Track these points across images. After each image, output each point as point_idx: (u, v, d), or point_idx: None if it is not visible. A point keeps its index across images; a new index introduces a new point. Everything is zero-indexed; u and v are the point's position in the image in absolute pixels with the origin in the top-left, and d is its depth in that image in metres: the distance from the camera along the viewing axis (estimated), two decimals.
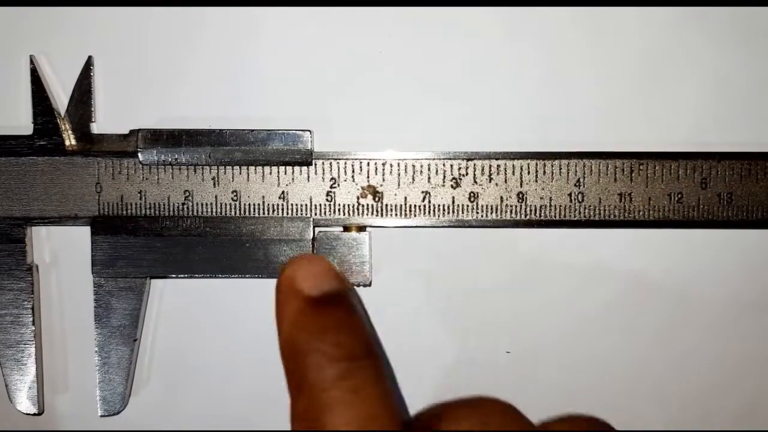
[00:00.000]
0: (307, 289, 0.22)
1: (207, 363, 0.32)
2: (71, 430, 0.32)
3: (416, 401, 0.32)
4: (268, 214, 0.30)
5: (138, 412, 0.32)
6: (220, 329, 0.32)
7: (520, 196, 0.29)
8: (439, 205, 0.30)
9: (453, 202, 0.30)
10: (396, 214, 0.30)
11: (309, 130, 0.29)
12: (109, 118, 0.30)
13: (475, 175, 0.30)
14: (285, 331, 0.22)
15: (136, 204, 0.30)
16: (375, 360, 0.22)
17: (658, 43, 0.30)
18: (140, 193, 0.30)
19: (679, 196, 0.29)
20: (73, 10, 0.30)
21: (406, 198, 0.30)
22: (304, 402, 0.21)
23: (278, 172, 0.30)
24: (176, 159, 0.29)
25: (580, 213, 0.29)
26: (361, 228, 0.30)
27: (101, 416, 0.31)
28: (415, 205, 0.30)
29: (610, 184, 0.29)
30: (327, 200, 0.30)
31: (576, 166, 0.29)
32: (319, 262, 0.24)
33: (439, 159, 0.30)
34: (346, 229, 0.30)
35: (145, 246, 0.30)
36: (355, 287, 0.24)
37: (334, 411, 0.20)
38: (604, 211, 0.29)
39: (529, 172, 0.29)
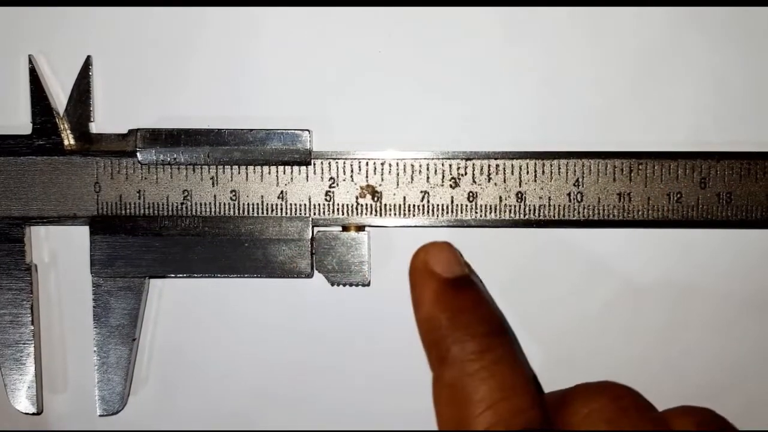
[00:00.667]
0: (442, 272, 0.24)
1: (206, 362, 0.32)
2: (70, 429, 0.32)
3: (415, 401, 0.32)
4: (267, 213, 0.30)
5: (137, 412, 0.32)
6: (218, 329, 0.32)
7: (519, 195, 0.29)
8: (437, 205, 0.30)
9: (452, 201, 0.30)
10: (395, 214, 0.30)
11: (308, 130, 0.29)
12: (107, 118, 0.30)
13: (474, 174, 0.30)
14: (425, 309, 0.24)
15: (134, 204, 0.30)
16: (509, 336, 0.24)
17: (657, 43, 0.30)
18: (139, 192, 0.30)
19: (678, 195, 0.29)
20: (72, 9, 0.30)
21: (404, 198, 0.30)
22: (450, 372, 0.23)
23: (277, 171, 0.30)
24: (175, 159, 0.29)
25: (579, 213, 0.29)
26: (360, 228, 0.30)
27: (100, 416, 0.31)
28: (413, 205, 0.30)
29: (609, 183, 0.29)
30: (326, 200, 0.30)
31: (575, 165, 0.29)
32: (449, 248, 0.26)
33: (438, 159, 0.30)
34: (345, 228, 0.30)
35: (144, 246, 0.30)
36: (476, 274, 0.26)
37: (480, 379, 0.22)
38: (603, 210, 0.29)
39: (528, 172, 0.29)
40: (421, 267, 0.25)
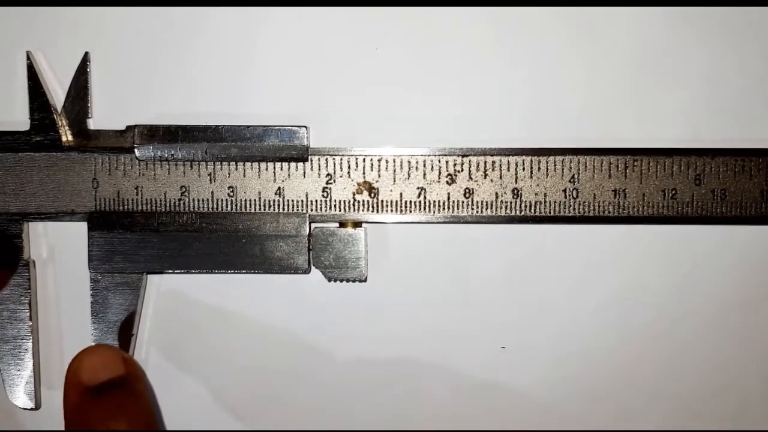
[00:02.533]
0: (86, 379, 0.25)
1: (202, 358, 0.32)
2: None
3: (412, 395, 0.32)
4: (265, 209, 0.30)
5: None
6: (216, 325, 0.32)
7: (515, 192, 0.30)
8: (434, 201, 0.30)
9: (448, 198, 0.30)
10: (392, 210, 0.30)
11: (305, 126, 0.29)
12: (105, 114, 0.31)
13: (470, 171, 0.30)
14: (66, 417, 0.25)
15: (132, 200, 0.30)
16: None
17: (653, 41, 0.30)
18: (137, 188, 0.30)
19: (673, 192, 0.29)
20: (70, 6, 0.30)
21: (401, 194, 0.30)
22: None
23: (274, 168, 0.30)
24: (172, 155, 0.29)
25: (574, 209, 0.30)
26: (357, 224, 0.30)
27: None
28: (410, 201, 0.30)
29: (605, 180, 0.30)
30: (323, 196, 0.30)
31: (571, 162, 0.29)
32: (105, 351, 0.26)
33: (435, 155, 0.30)
34: (342, 224, 0.30)
35: (142, 241, 0.30)
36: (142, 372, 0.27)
37: None
38: (599, 207, 0.30)
39: (524, 169, 0.30)
40: (70, 373, 0.26)
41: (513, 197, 0.30)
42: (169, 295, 0.32)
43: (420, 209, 0.30)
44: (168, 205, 0.30)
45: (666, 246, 0.31)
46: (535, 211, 0.30)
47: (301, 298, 0.31)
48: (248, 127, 0.29)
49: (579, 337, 0.32)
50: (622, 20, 0.30)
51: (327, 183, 0.30)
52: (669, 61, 0.30)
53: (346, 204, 0.30)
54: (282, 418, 0.32)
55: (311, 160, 0.30)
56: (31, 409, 0.31)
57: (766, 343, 0.32)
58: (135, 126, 0.29)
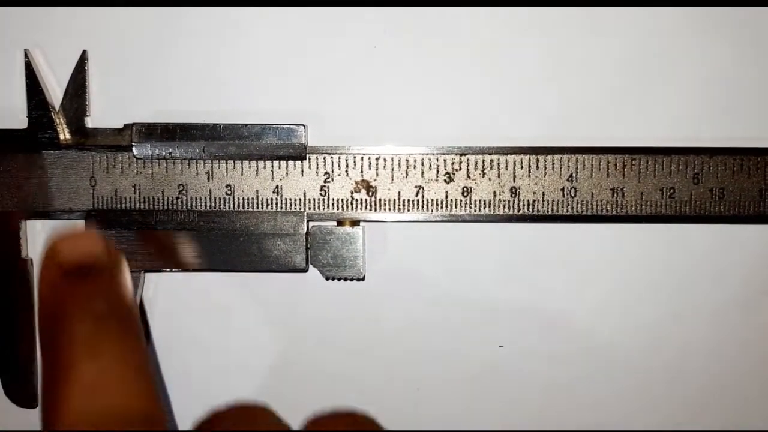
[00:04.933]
0: (65, 261, 0.23)
1: (200, 356, 0.32)
2: None
3: (409, 394, 0.32)
4: (262, 208, 0.30)
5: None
6: (214, 323, 0.32)
7: (513, 191, 0.30)
8: (432, 200, 0.30)
9: (446, 196, 0.30)
10: (389, 209, 0.30)
11: (303, 125, 0.29)
12: (103, 113, 0.30)
13: (468, 170, 0.30)
14: (44, 295, 0.23)
15: (130, 198, 0.30)
16: (131, 324, 0.22)
17: (651, 40, 0.30)
18: (134, 187, 0.30)
19: (672, 191, 0.29)
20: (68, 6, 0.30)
21: (399, 192, 0.30)
22: (53, 358, 0.21)
23: (272, 166, 0.30)
24: (170, 153, 0.29)
25: (572, 208, 0.30)
26: (355, 222, 0.30)
27: None
28: (408, 200, 0.30)
29: (603, 179, 0.29)
30: (321, 195, 0.30)
31: (569, 161, 0.29)
32: (86, 234, 0.25)
33: (433, 154, 0.30)
34: (340, 223, 0.30)
35: (140, 240, 0.30)
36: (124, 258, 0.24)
37: (78, 362, 0.20)
38: (597, 206, 0.30)
39: (522, 167, 0.30)
40: (47, 254, 0.23)
41: (511, 196, 0.30)
42: (167, 294, 0.32)
43: (418, 208, 0.30)
44: (166, 203, 0.30)
45: (664, 245, 0.31)
46: (533, 210, 0.30)
47: (298, 297, 0.31)
48: (246, 125, 0.29)
49: (578, 337, 0.32)
50: (621, 20, 0.30)
51: (325, 181, 0.30)
52: (667, 60, 0.30)
53: (344, 203, 0.30)
54: (280, 415, 0.32)
55: (309, 159, 0.30)
56: (29, 408, 0.31)
57: (766, 342, 0.32)
58: (133, 124, 0.29)
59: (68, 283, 0.22)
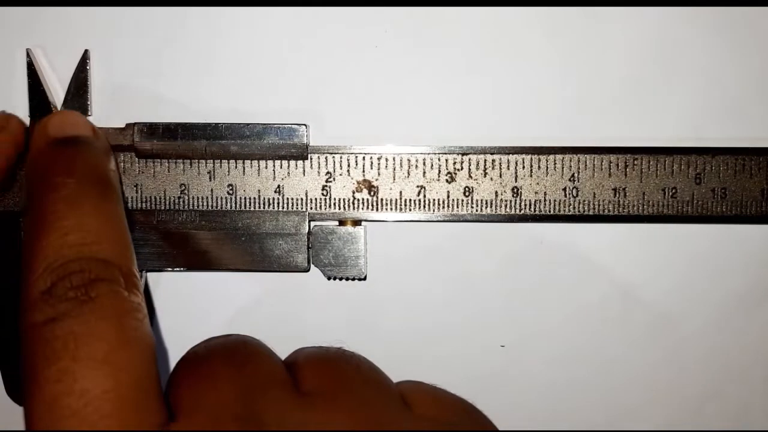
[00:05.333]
0: (53, 133, 0.26)
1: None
2: None
3: None
4: (264, 208, 0.30)
5: None
6: (214, 323, 0.32)
7: (515, 190, 0.30)
8: (434, 200, 0.30)
9: (448, 196, 0.30)
10: (391, 209, 0.30)
11: (305, 124, 0.29)
12: (105, 112, 0.30)
13: (470, 169, 0.30)
14: (31, 161, 0.25)
15: (131, 197, 0.30)
16: (108, 186, 0.24)
17: (653, 39, 0.30)
18: (136, 186, 0.30)
19: (674, 191, 0.29)
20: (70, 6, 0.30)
21: (401, 192, 0.30)
22: (28, 216, 0.23)
23: (274, 166, 0.30)
24: (172, 152, 0.29)
25: (574, 208, 0.30)
26: (357, 222, 0.30)
27: None
28: (410, 200, 0.30)
29: (605, 179, 0.29)
30: (323, 194, 0.30)
31: (571, 161, 0.29)
32: (71, 113, 0.28)
33: (435, 153, 0.30)
34: (342, 223, 0.30)
35: (141, 239, 0.30)
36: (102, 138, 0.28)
37: (49, 221, 0.22)
38: (599, 205, 0.29)
39: (523, 167, 0.30)
40: (37, 129, 0.26)
41: (513, 196, 0.30)
42: (169, 294, 0.32)
43: (420, 207, 0.30)
44: (167, 202, 0.30)
45: (666, 245, 0.31)
46: (534, 210, 0.30)
47: (300, 297, 0.31)
48: (248, 125, 0.29)
49: (579, 336, 0.32)
50: (621, 20, 0.30)
51: (327, 181, 0.30)
52: (669, 59, 0.30)
53: (346, 202, 0.30)
54: None
55: (311, 158, 0.30)
56: None
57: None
58: (135, 124, 0.29)
59: (54, 150, 0.25)
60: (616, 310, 0.32)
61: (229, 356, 0.22)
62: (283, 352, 0.32)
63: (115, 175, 0.26)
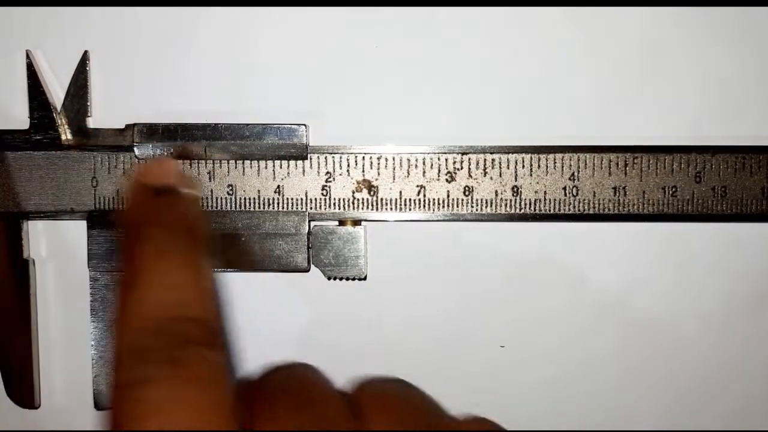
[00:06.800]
0: (148, 181, 0.25)
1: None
2: (67, 425, 0.32)
3: None
4: (264, 208, 0.30)
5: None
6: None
7: (515, 189, 0.30)
8: (434, 199, 0.30)
9: (448, 196, 0.30)
10: (391, 209, 0.30)
11: (304, 124, 0.29)
12: (105, 113, 0.30)
13: (469, 169, 0.30)
14: (126, 209, 0.25)
15: None
16: (197, 242, 0.24)
17: (654, 38, 0.30)
18: None
19: (674, 189, 0.29)
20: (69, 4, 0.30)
21: (401, 192, 0.30)
22: (127, 267, 0.23)
23: (274, 166, 0.30)
24: (172, 153, 0.29)
25: (574, 207, 0.30)
26: (357, 222, 0.30)
27: (97, 410, 0.31)
28: (410, 199, 0.30)
29: (605, 177, 0.29)
30: (322, 194, 0.30)
31: (570, 160, 0.29)
32: (166, 161, 0.28)
33: (435, 153, 0.30)
34: (342, 223, 0.30)
35: None
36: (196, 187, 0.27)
37: (143, 276, 0.22)
38: (599, 204, 0.29)
39: (523, 166, 0.30)
40: (135, 177, 0.26)
41: (513, 195, 0.30)
42: None
43: (419, 207, 0.30)
44: None
45: (666, 244, 0.31)
46: (534, 209, 0.30)
47: (299, 297, 0.31)
48: (247, 125, 0.29)
49: (579, 336, 0.32)
50: (622, 19, 0.30)
51: (326, 181, 0.30)
52: (669, 58, 0.30)
53: (346, 202, 0.30)
54: None
55: (311, 158, 0.30)
56: (30, 408, 0.31)
57: None
58: (134, 124, 0.29)
59: (146, 199, 0.25)
60: (617, 309, 0.31)
61: (296, 394, 0.22)
62: (283, 351, 0.32)
63: (203, 224, 0.25)
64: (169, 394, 0.20)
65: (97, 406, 0.31)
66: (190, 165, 0.30)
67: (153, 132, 0.29)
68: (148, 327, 0.21)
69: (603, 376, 0.32)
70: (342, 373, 0.32)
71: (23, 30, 0.30)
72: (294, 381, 0.23)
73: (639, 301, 0.31)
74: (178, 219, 0.24)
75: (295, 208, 0.30)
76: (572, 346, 0.32)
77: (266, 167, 0.30)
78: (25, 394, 0.31)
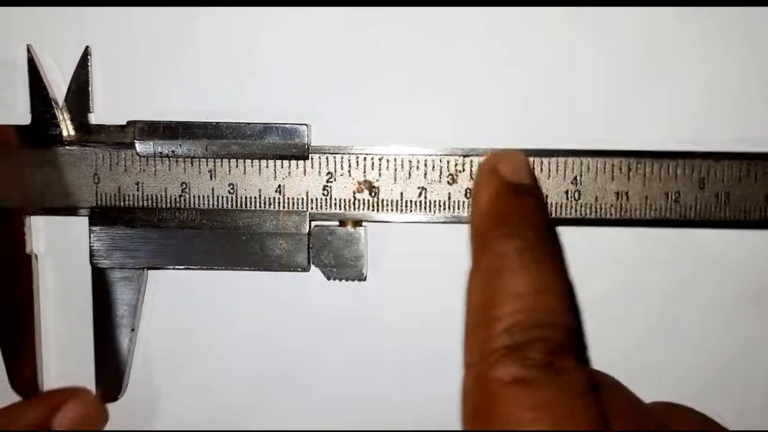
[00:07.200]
0: (507, 176, 0.26)
1: (202, 354, 0.32)
2: None
3: (411, 394, 0.32)
4: (265, 207, 0.30)
5: (132, 403, 0.32)
6: (215, 322, 0.32)
7: None
8: (435, 201, 0.30)
9: (449, 198, 0.30)
10: (392, 210, 0.30)
11: (306, 124, 0.29)
12: (106, 109, 0.30)
13: (471, 171, 0.29)
14: (482, 203, 0.25)
15: (133, 195, 0.30)
16: (556, 247, 0.25)
17: (657, 41, 0.30)
18: (137, 184, 0.30)
19: (677, 195, 0.29)
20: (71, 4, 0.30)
21: (402, 193, 0.30)
22: (488, 261, 0.23)
23: (275, 165, 0.30)
24: (173, 151, 0.29)
25: (576, 210, 0.29)
26: (357, 223, 0.30)
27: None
28: (411, 201, 0.30)
29: (607, 182, 0.29)
30: (323, 194, 0.30)
31: (573, 163, 0.29)
32: (521, 156, 0.27)
33: (436, 155, 0.29)
34: (342, 223, 0.30)
35: (143, 237, 0.30)
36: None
37: (516, 273, 0.22)
38: (601, 209, 0.29)
39: None
40: (489, 167, 0.26)
41: None
42: (170, 292, 0.32)
43: (420, 209, 0.30)
44: (168, 201, 0.30)
45: (669, 249, 0.31)
46: None
47: (300, 296, 0.31)
48: (249, 124, 0.29)
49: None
50: (626, 21, 0.30)
51: (327, 181, 0.30)
52: (674, 62, 0.30)
53: (347, 203, 0.30)
54: (281, 416, 0.32)
55: (312, 158, 0.30)
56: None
57: None
58: (136, 122, 0.29)
59: (511, 196, 0.25)
60: (618, 312, 0.31)
61: None
62: (281, 351, 0.32)
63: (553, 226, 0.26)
64: (550, 402, 0.20)
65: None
66: (191, 162, 0.30)
67: (154, 130, 0.29)
68: (526, 327, 0.21)
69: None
70: (342, 374, 0.32)
71: (25, 25, 0.30)
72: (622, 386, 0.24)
73: (641, 305, 0.31)
74: (543, 223, 0.24)
75: (295, 208, 0.30)
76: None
77: (267, 166, 0.30)
78: (28, 385, 0.31)
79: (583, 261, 0.31)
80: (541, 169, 0.29)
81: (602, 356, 0.32)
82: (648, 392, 0.32)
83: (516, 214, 0.24)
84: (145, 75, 0.30)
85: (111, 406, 0.31)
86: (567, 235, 0.31)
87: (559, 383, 0.21)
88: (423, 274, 0.31)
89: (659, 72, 0.30)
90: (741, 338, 0.32)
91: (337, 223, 0.30)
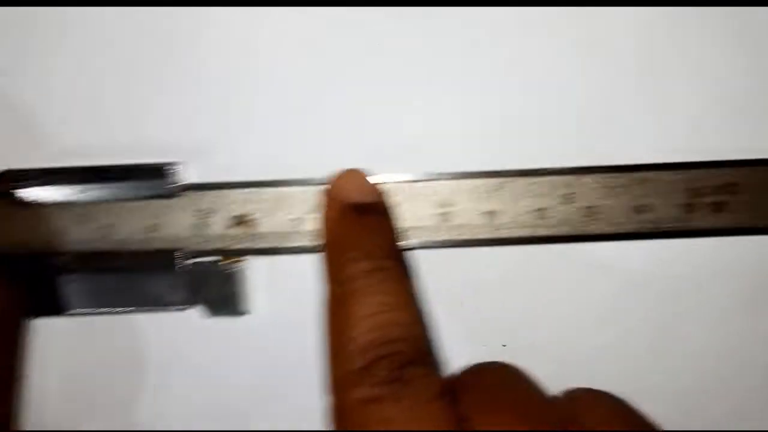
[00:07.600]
0: (348, 197, 0.26)
1: (202, 354, 0.31)
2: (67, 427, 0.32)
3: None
4: (141, 246, 0.29)
5: (131, 407, 0.31)
6: (212, 322, 0.31)
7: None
8: (312, 231, 0.29)
9: None
10: (272, 242, 0.29)
11: (175, 163, 0.29)
12: None
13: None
14: (328, 228, 0.26)
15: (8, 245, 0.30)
16: (400, 262, 0.26)
17: (658, 43, 0.30)
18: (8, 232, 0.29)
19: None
20: None
21: (280, 224, 0.29)
22: (337, 286, 0.24)
23: (148, 204, 0.29)
24: (47, 197, 0.29)
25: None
26: (238, 257, 0.30)
27: None
28: (288, 233, 0.29)
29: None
30: (199, 232, 0.29)
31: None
32: (360, 175, 0.27)
33: (310, 185, 0.29)
34: (223, 258, 0.30)
35: (27, 287, 0.30)
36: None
37: (366, 294, 0.23)
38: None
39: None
40: (329, 190, 0.27)
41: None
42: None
43: (299, 239, 0.29)
44: (43, 247, 0.29)
45: (669, 249, 0.30)
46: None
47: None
48: (112, 166, 0.29)
49: (580, 337, 0.31)
50: (628, 20, 0.30)
51: (202, 218, 0.29)
52: (674, 63, 0.30)
53: (225, 238, 0.29)
54: (281, 414, 0.31)
55: (183, 196, 0.29)
56: None
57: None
58: (7, 171, 0.29)
59: (355, 217, 0.26)
60: (619, 310, 0.31)
61: (510, 394, 0.24)
62: (282, 350, 0.31)
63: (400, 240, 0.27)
64: (400, 415, 0.21)
65: None
66: (63, 208, 0.29)
67: (26, 177, 0.29)
68: (375, 347, 0.22)
69: (602, 376, 0.31)
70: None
71: None
72: (505, 381, 0.24)
73: (641, 305, 0.31)
74: (388, 241, 0.26)
75: (173, 246, 0.29)
76: (573, 346, 0.31)
77: (140, 207, 0.29)
78: None
79: (585, 260, 0.31)
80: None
81: (602, 355, 0.31)
82: (647, 392, 0.31)
83: (361, 234, 0.25)
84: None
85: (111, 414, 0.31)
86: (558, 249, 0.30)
87: (406, 394, 0.21)
88: (424, 273, 0.30)
89: (660, 74, 0.30)
90: (741, 342, 0.31)
91: (218, 258, 0.30)
